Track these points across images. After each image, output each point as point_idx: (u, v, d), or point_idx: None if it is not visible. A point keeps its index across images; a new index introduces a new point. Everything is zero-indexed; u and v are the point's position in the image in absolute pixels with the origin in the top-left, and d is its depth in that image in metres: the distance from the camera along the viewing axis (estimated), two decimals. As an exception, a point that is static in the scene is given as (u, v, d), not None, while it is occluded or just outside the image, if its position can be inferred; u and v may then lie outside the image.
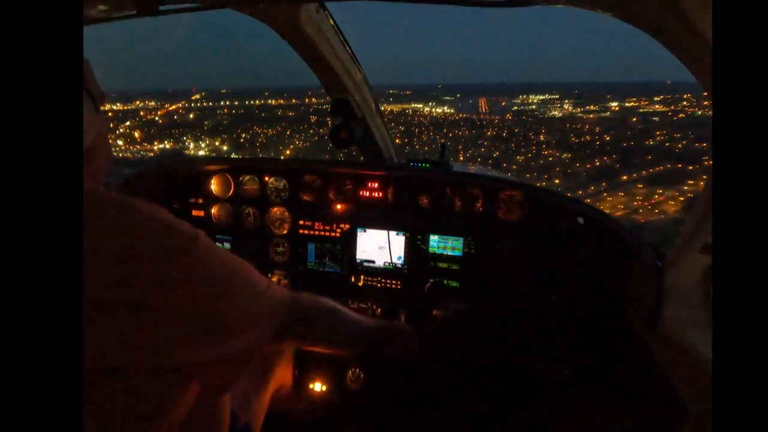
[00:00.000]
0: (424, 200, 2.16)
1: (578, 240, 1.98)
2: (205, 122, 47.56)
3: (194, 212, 2.39)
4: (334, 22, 1.65)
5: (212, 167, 2.35)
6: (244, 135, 44.79)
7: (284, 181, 2.30)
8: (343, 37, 1.74)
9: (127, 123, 43.82)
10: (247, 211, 2.35)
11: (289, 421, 2.24)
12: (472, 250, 2.12)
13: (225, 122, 48.45)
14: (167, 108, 49.67)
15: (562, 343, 2.05)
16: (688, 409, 1.25)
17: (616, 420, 1.69)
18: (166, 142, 41.92)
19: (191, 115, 49.73)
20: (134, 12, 1.37)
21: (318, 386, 2.28)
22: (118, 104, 49.92)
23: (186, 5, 1.36)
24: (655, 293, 1.51)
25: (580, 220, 1.97)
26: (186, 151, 39.58)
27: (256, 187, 2.33)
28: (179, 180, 2.37)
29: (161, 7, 1.33)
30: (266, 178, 2.31)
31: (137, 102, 51.67)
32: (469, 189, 2.11)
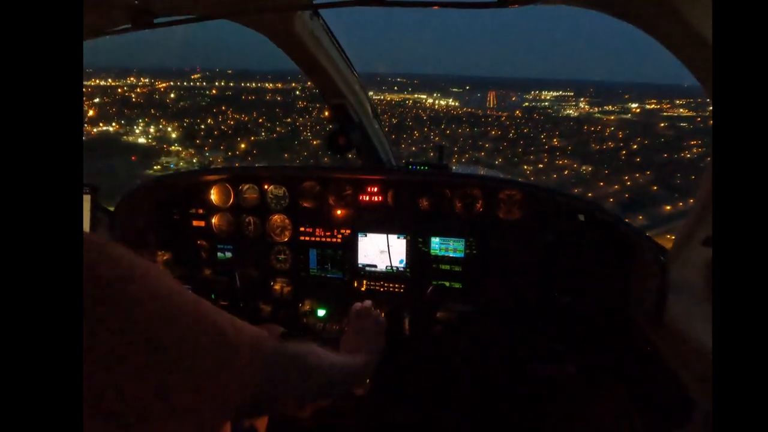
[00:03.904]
0: (424, 203, 2.16)
1: (580, 237, 1.98)
2: (181, 103, 44.17)
3: (195, 222, 2.40)
4: (328, 28, 1.66)
5: (212, 177, 2.35)
6: (210, 120, 40.52)
7: (284, 188, 2.30)
8: (338, 42, 1.75)
9: (96, 100, 40.08)
10: (247, 220, 2.35)
11: (295, 427, 2.23)
12: (474, 251, 2.12)
13: (203, 104, 44.23)
14: (156, 86, 47.04)
15: (567, 341, 2.04)
16: (696, 403, 1.24)
17: (625, 417, 1.68)
18: (114, 124, 37.81)
19: (172, 94, 46.36)
20: (129, 26, 1.38)
21: None
22: (110, 80, 46.40)
23: (181, 17, 1.37)
24: (659, 288, 1.50)
25: (581, 217, 1.97)
26: (124, 138, 36.12)
27: (255, 195, 2.33)
28: (179, 191, 2.37)
29: (156, 20, 1.34)
30: (266, 186, 2.31)
31: (131, 78, 48.02)
32: (468, 190, 2.11)
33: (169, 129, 38.69)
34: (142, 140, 36.59)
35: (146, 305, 0.58)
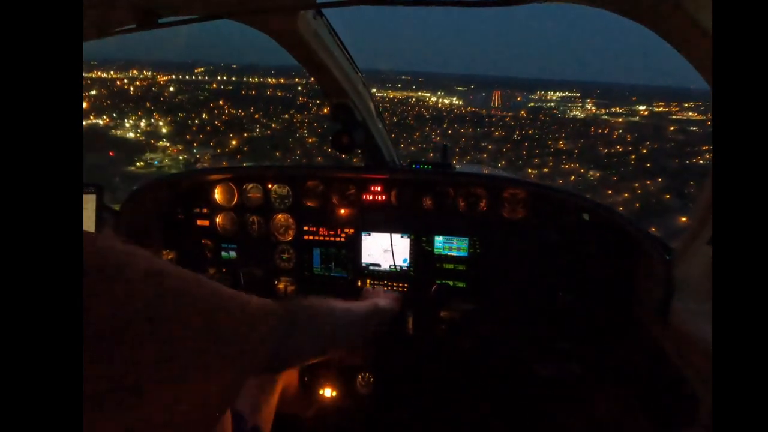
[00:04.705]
0: (427, 202, 2.16)
1: (584, 236, 1.97)
2: (178, 96, 43.32)
3: (199, 222, 2.41)
4: (332, 27, 1.66)
5: (216, 177, 2.36)
6: (205, 115, 39.13)
7: (287, 187, 2.30)
8: (341, 42, 1.75)
9: (93, 92, 39.13)
10: (251, 219, 2.35)
11: (299, 428, 2.24)
12: (478, 250, 2.12)
13: (200, 98, 43.22)
14: (157, 79, 46.36)
15: (571, 340, 2.04)
16: (700, 401, 1.23)
17: (630, 416, 1.68)
18: (104, 117, 36.41)
19: (171, 88, 45.46)
20: (134, 26, 1.39)
21: (328, 392, 2.27)
22: (112, 72, 45.97)
23: (185, 17, 1.38)
24: (664, 286, 1.49)
25: (585, 216, 1.96)
26: (112, 131, 34.66)
27: (259, 194, 2.34)
28: (183, 190, 2.38)
29: (160, 20, 1.35)
30: (269, 186, 2.32)
31: (134, 71, 47.54)
32: (472, 189, 2.10)
33: (161, 123, 37.60)
34: (130, 135, 35.37)
35: (144, 283, 0.59)
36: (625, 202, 24.06)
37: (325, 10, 1.56)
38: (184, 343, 0.61)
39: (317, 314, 0.93)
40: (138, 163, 30.12)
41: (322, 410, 2.27)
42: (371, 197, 2.22)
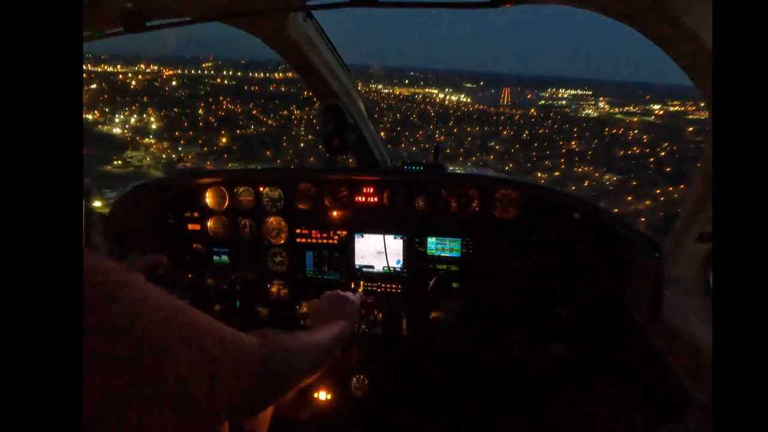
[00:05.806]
0: (420, 203, 2.16)
1: (575, 235, 1.99)
2: (179, 91, 42.61)
3: (190, 226, 2.38)
4: (322, 30, 1.66)
5: (206, 180, 2.34)
6: (201, 111, 38.37)
7: (279, 190, 2.29)
8: (331, 44, 1.75)
9: (93, 86, 38.12)
10: (243, 223, 2.34)
11: (295, 427, 2.23)
12: (471, 251, 2.12)
13: (201, 93, 42.38)
14: (163, 73, 45.45)
15: (564, 338, 2.06)
16: (692, 398, 1.25)
17: (623, 412, 1.69)
18: (95, 111, 35.34)
19: (174, 82, 44.57)
20: (121, 29, 1.37)
21: (323, 395, 2.27)
22: (118, 66, 45.12)
23: (173, 20, 1.37)
24: (655, 284, 1.51)
25: (576, 215, 1.98)
26: (99, 127, 33.22)
27: (251, 198, 2.32)
28: (174, 194, 2.36)
29: (148, 23, 1.33)
30: (261, 189, 2.30)
31: (140, 65, 46.69)
32: (464, 190, 2.11)
33: (152, 119, 36.50)
34: (117, 131, 34.28)
35: (128, 321, 0.58)
36: (646, 211, 22.34)
37: (318, 12, 1.56)
38: (166, 380, 0.60)
39: (291, 351, 0.91)
40: (116, 162, 28.84)
41: (318, 413, 2.26)
42: (364, 199, 2.21)
